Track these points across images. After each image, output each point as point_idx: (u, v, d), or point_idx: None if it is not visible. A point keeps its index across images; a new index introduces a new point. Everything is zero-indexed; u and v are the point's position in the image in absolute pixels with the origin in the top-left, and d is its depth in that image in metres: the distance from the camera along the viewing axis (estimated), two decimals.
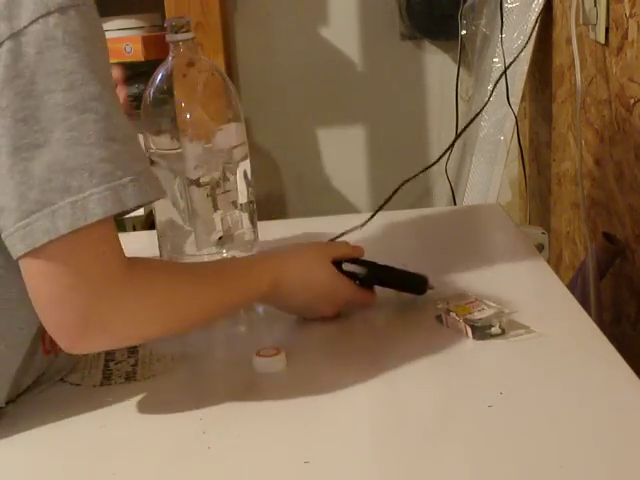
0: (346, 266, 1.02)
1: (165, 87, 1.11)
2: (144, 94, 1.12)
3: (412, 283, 1.05)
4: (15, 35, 0.77)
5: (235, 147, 1.11)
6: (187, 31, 1.09)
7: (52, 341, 0.88)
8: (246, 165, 1.13)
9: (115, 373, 0.95)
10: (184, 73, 1.09)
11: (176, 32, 1.09)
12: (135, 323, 0.83)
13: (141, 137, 1.12)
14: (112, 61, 2.02)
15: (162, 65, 1.11)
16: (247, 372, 0.93)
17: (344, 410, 0.85)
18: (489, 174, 2.00)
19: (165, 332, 0.87)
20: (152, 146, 1.10)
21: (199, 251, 1.13)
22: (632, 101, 1.37)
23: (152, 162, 1.11)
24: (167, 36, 1.09)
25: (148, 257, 0.92)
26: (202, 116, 1.08)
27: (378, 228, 1.05)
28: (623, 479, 0.72)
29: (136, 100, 2.12)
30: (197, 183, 1.08)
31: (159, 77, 1.12)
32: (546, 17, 1.92)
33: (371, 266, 1.04)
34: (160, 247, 1.16)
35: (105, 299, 0.79)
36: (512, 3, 1.95)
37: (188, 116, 1.08)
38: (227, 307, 0.95)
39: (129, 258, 0.83)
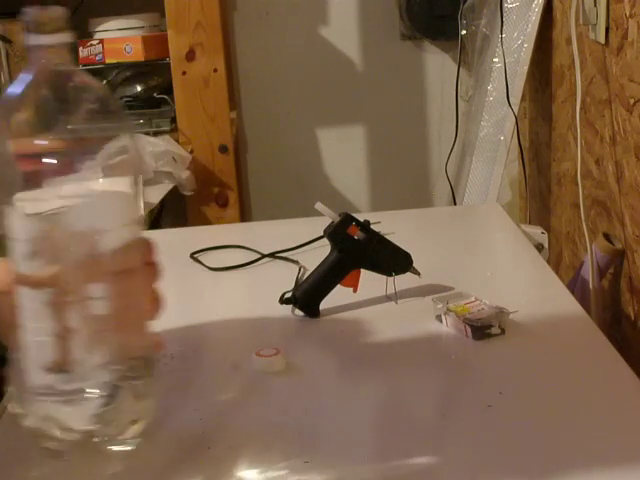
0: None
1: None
2: None
3: (398, 258, 1.05)
4: None
5: (108, 231, 0.65)
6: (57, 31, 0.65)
7: None
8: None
9: None
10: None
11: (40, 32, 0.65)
12: None
13: None
14: (112, 61, 2.08)
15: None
16: (247, 372, 0.93)
17: (344, 410, 0.85)
18: (489, 174, 2.01)
19: None
20: None
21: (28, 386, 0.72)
22: (632, 101, 1.37)
23: None
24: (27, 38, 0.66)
25: None
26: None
27: (378, 228, 1.05)
28: (623, 479, 0.72)
29: (135, 100, 2.12)
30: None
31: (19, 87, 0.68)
32: (546, 17, 1.92)
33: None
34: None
35: None
36: (512, 3, 1.96)
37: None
38: None
39: None
